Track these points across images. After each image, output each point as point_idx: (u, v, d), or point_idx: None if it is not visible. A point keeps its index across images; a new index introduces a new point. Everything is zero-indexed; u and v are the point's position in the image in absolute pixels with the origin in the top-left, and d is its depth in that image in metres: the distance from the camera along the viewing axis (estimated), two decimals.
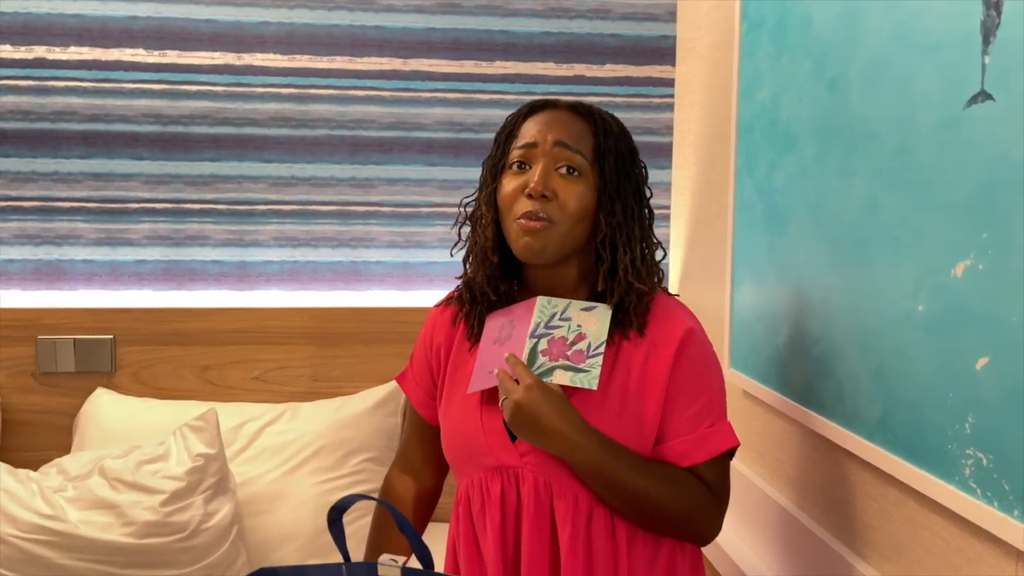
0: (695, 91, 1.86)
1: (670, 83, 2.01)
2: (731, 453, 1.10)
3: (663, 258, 1.13)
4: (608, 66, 1.99)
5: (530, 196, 1.03)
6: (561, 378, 1.01)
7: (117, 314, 1.86)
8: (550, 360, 0.95)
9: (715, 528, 1.07)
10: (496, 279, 1.11)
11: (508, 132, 1.10)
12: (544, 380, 1.00)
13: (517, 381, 1.00)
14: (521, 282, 1.14)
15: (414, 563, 0.91)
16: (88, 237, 1.89)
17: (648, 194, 1.12)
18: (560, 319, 0.98)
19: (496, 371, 1.02)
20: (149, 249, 1.91)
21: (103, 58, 1.86)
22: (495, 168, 1.10)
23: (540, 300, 0.94)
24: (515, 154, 1.07)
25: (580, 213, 1.04)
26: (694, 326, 1.09)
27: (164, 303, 1.90)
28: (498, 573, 1.06)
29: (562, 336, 0.98)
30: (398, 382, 1.26)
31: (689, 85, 1.91)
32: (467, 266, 1.14)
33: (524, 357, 1.03)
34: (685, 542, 1.09)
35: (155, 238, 1.91)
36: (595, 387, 0.99)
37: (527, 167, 1.06)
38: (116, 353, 1.86)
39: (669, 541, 1.08)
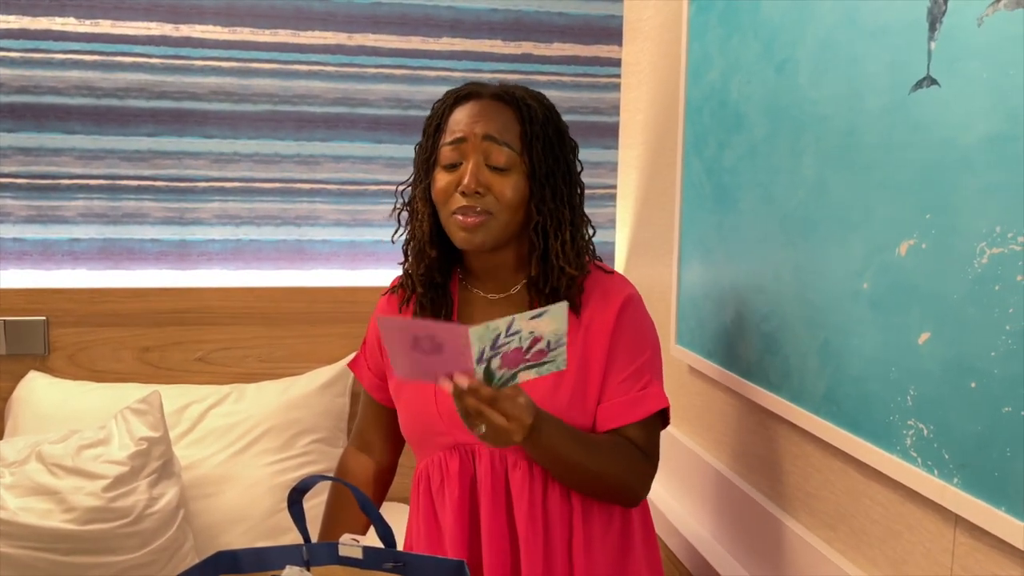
0: (643, 71, 1.88)
1: (617, 63, 2.02)
2: (664, 417, 1.14)
3: (592, 235, 1.16)
4: (556, 45, 1.99)
5: (464, 193, 1.04)
6: (527, 376, 0.98)
7: (50, 294, 1.79)
8: (510, 368, 0.92)
9: (647, 488, 1.12)
10: (434, 270, 1.13)
11: (436, 124, 1.10)
12: (511, 384, 0.95)
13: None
14: (463, 266, 1.17)
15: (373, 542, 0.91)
16: (18, 214, 1.81)
17: (579, 168, 1.14)
18: (507, 336, 0.93)
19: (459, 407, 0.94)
20: (83, 227, 1.84)
21: (31, 27, 1.77)
22: (427, 162, 1.10)
23: (472, 333, 0.86)
24: (445, 151, 1.07)
25: (516, 203, 1.06)
26: (632, 293, 1.13)
27: (100, 283, 1.84)
28: (458, 547, 1.08)
29: (516, 347, 0.92)
30: (351, 368, 1.28)
31: (637, 65, 1.92)
32: (407, 256, 1.16)
33: (480, 377, 0.94)
34: (618, 504, 1.12)
35: (90, 216, 1.84)
36: (564, 367, 0.95)
37: (458, 165, 1.06)
38: (49, 335, 1.80)
39: (620, 508, 1.13)
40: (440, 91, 1.92)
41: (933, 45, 0.89)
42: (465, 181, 1.03)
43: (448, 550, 1.09)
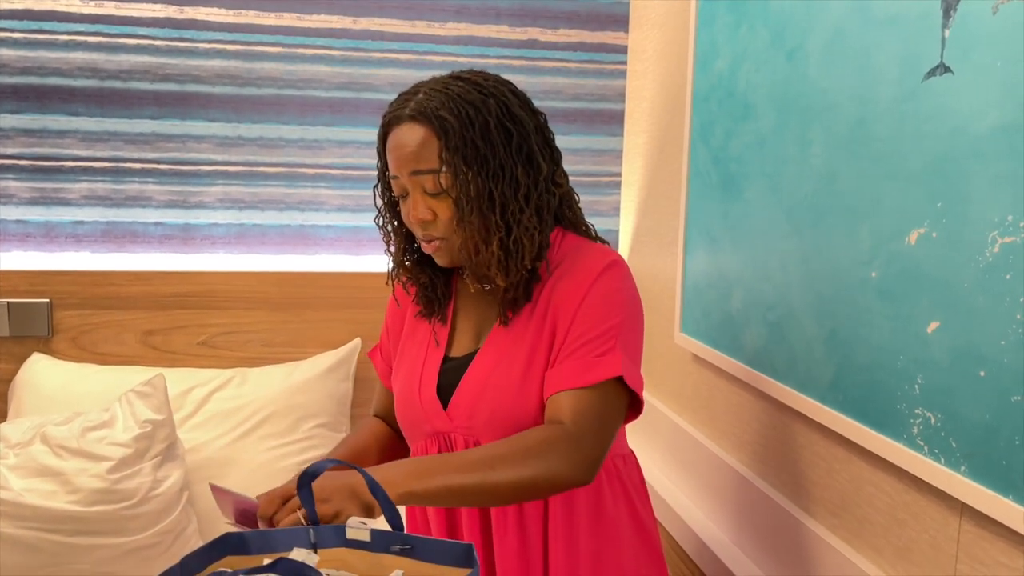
0: (649, 58, 1.87)
1: (623, 50, 2.02)
2: (629, 396, 1.04)
3: (552, 222, 1.09)
4: (562, 31, 1.99)
5: (415, 225, 1.06)
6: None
7: (53, 277, 1.79)
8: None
9: (580, 473, 0.97)
10: (417, 272, 1.15)
11: (380, 153, 1.10)
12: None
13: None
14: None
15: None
16: (21, 196, 1.81)
17: (525, 149, 1.05)
18: None
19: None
20: (87, 210, 1.84)
21: (35, 7, 1.76)
22: (383, 181, 1.12)
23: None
24: (392, 184, 1.07)
25: (459, 223, 1.04)
26: (613, 261, 1.06)
27: (103, 266, 1.84)
28: (442, 533, 1.10)
29: None
30: (371, 357, 1.30)
31: (643, 52, 1.91)
32: (393, 265, 1.17)
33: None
34: (559, 494, 1.03)
35: (93, 198, 1.84)
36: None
37: (406, 195, 1.06)
38: (53, 317, 1.80)
39: (607, 489, 1.10)
40: None
41: (947, 33, 0.89)
42: (411, 215, 1.05)
43: (432, 532, 1.11)
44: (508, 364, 1.06)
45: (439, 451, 1.10)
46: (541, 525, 1.09)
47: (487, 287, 1.11)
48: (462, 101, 1.03)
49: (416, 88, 1.07)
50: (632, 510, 1.14)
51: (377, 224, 1.15)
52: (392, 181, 1.07)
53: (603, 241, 1.15)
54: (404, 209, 1.07)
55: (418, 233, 1.07)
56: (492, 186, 1.03)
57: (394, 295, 1.24)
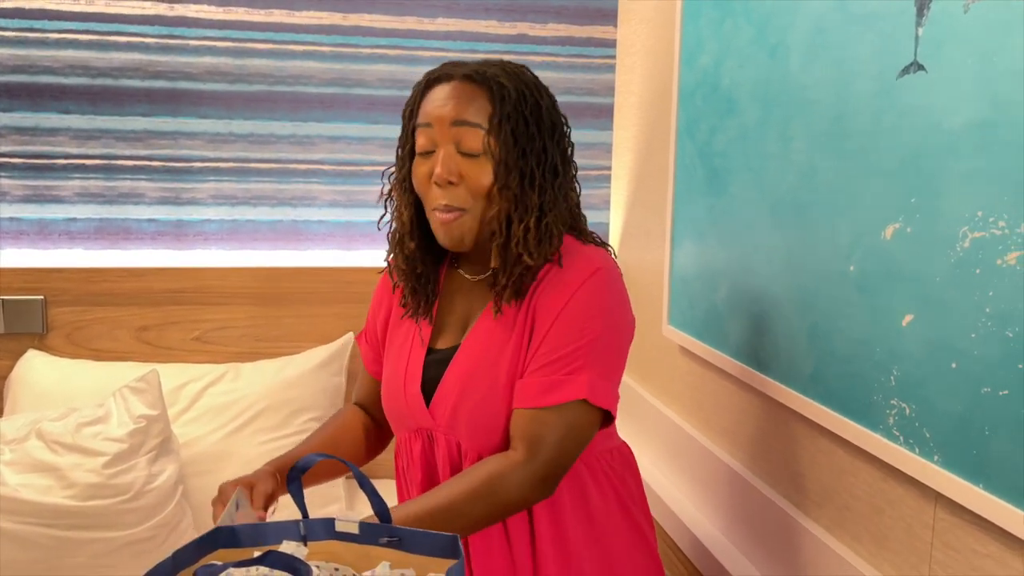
0: (637, 53, 1.89)
1: (612, 44, 2.03)
2: (586, 410, 1.01)
3: (571, 219, 1.10)
4: (551, 25, 2.00)
5: (437, 184, 1.02)
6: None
7: (47, 274, 1.80)
8: None
9: (537, 494, 0.99)
10: (416, 260, 1.11)
11: (411, 109, 1.07)
12: None
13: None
14: (454, 255, 1.16)
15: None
16: (14, 194, 1.82)
17: (563, 146, 1.07)
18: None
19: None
20: (80, 207, 1.85)
21: (26, 6, 1.77)
22: (404, 149, 1.08)
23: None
24: (419, 138, 1.04)
25: (489, 190, 1.02)
26: (598, 268, 1.04)
27: (97, 263, 1.85)
28: None
29: None
30: (357, 341, 1.30)
31: (631, 47, 1.93)
32: (391, 245, 1.14)
33: None
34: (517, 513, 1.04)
35: (86, 195, 1.85)
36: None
37: (432, 151, 1.03)
38: (47, 314, 1.81)
39: (594, 489, 1.10)
40: None
41: (920, 31, 0.90)
42: (437, 171, 1.01)
43: None
44: (490, 363, 1.05)
45: (422, 447, 1.10)
46: (527, 529, 1.08)
47: (484, 274, 1.09)
48: (519, 79, 1.04)
49: (462, 60, 1.06)
50: (622, 504, 1.13)
51: (385, 197, 1.12)
52: (420, 131, 1.03)
53: (597, 242, 1.12)
54: (423, 167, 1.04)
55: (433, 197, 1.03)
56: (534, 164, 1.02)
57: (381, 282, 1.23)
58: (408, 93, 1.92)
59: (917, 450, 0.92)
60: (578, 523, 1.09)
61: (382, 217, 1.15)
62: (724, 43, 1.38)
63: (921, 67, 0.90)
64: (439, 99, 1.02)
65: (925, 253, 0.90)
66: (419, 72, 1.96)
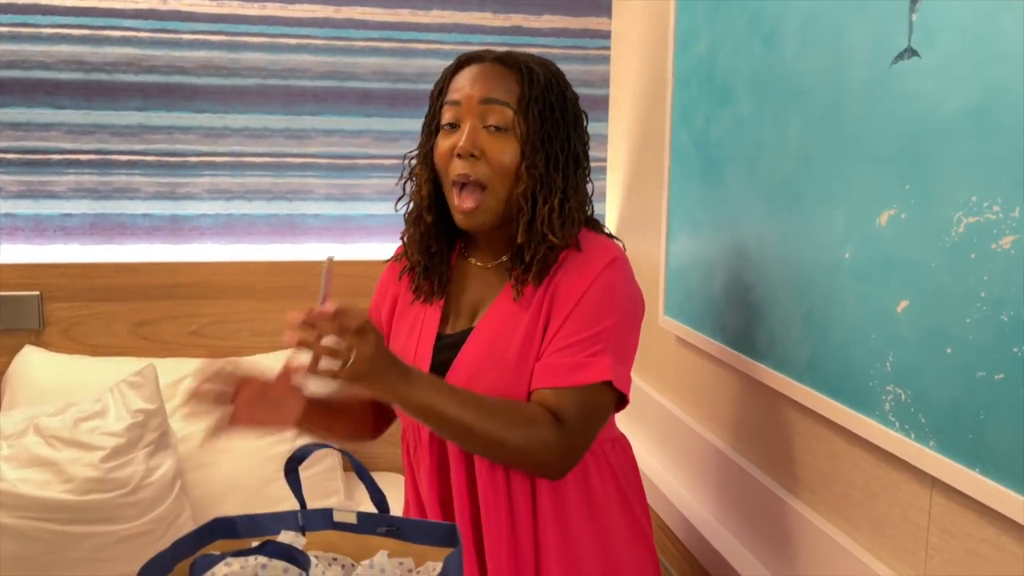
0: (631, 43, 1.88)
1: (606, 35, 2.03)
2: (616, 394, 1.06)
3: (588, 209, 1.12)
4: (545, 17, 1.99)
5: (460, 156, 1.04)
6: None
7: (43, 269, 1.80)
8: None
9: (561, 463, 1.02)
10: (430, 237, 1.12)
11: (439, 89, 1.11)
12: None
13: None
14: (465, 235, 1.16)
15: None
16: (9, 190, 1.82)
17: (584, 140, 1.11)
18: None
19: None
20: (75, 202, 1.85)
21: (18, 1, 1.77)
22: (430, 127, 1.11)
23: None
24: (445, 113, 1.07)
25: (509, 168, 1.04)
26: (616, 257, 1.08)
27: (93, 258, 1.85)
28: (435, 511, 1.11)
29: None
30: None
31: (626, 37, 1.92)
32: (407, 224, 1.16)
33: None
34: (537, 476, 1.07)
35: (81, 191, 1.85)
36: None
37: (457, 126, 1.06)
38: (44, 309, 1.81)
39: (596, 477, 1.11)
40: (430, 64, 1.95)
41: (914, 17, 0.90)
42: (461, 143, 1.03)
43: (429, 516, 1.12)
44: (504, 345, 1.06)
45: (431, 431, 1.09)
46: (530, 513, 1.08)
47: (495, 262, 1.11)
48: (547, 68, 1.09)
49: (486, 48, 1.11)
50: (621, 493, 1.14)
51: (405, 175, 1.14)
52: (447, 107, 1.07)
53: (608, 234, 1.15)
54: (447, 141, 1.06)
55: (453, 168, 1.05)
56: (558, 149, 1.06)
57: (387, 270, 1.24)
58: (402, 86, 1.94)
59: (913, 435, 0.93)
60: (579, 508, 1.10)
61: (400, 199, 1.16)
62: (718, 32, 1.37)
63: (915, 53, 0.90)
64: (469, 78, 1.06)
65: (920, 239, 0.90)
66: (412, 64, 1.98)
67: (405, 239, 1.16)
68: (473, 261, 1.15)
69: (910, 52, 0.91)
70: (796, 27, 1.14)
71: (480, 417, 0.97)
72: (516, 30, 1.98)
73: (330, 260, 0.92)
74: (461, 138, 1.04)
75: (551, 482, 1.08)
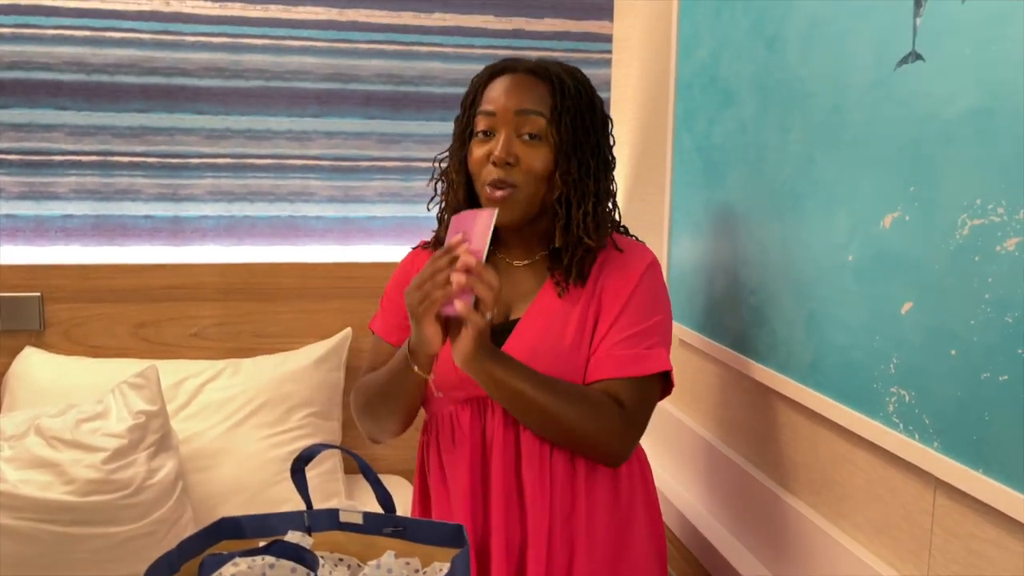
0: (633, 47, 1.89)
1: (608, 39, 2.03)
2: (662, 384, 1.13)
3: (613, 210, 1.18)
4: (547, 20, 2.00)
5: (495, 164, 1.09)
6: None
7: (44, 270, 1.80)
8: None
9: (623, 448, 1.09)
10: None
11: (472, 98, 1.15)
12: None
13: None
14: (494, 234, 1.17)
15: None
16: (10, 191, 1.81)
17: (611, 144, 1.17)
18: None
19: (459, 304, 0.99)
20: (76, 203, 1.85)
21: (21, 2, 1.77)
22: (463, 133, 1.16)
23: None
24: (480, 122, 1.12)
25: (542, 174, 1.10)
26: (655, 260, 1.17)
27: (94, 259, 1.85)
28: (466, 506, 1.10)
29: None
30: (370, 327, 1.28)
31: (627, 41, 1.93)
32: (440, 223, 1.21)
33: None
34: (597, 461, 1.11)
35: (82, 192, 1.85)
36: None
37: (492, 134, 1.11)
38: (44, 311, 1.81)
39: (626, 477, 1.14)
40: (432, 67, 1.96)
41: (919, 21, 0.91)
42: (497, 151, 1.08)
43: (455, 511, 1.11)
44: (555, 336, 1.11)
45: (470, 416, 1.12)
46: (569, 499, 1.10)
47: (529, 260, 1.16)
48: (576, 78, 1.13)
49: (515, 57, 1.15)
50: (646, 490, 1.17)
51: (436, 177, 1.19)
52: (481, 116, 1.11)
53: (635, 237, 1.21)
54: (481, 149, 1.11)
55: (487, 173, 1.10)
56: (589, 155, 1.11)
57: (406, 260, 1.26)
58: (405, 88, 1.95)
59: (917, 436, 0.93)
60: (606, 505, 1.12)
61: (432, 199, 1.22)
62: (721, 35, 1.38)
63: (919, 57, 0.91)
64: (503, 89, 1.11)
65: (924, 241, 0.91)
66: (415, 67, 1.98)
67: (440, 238, 1.21)
68: (503, 258, 1.19)
69: (914, 56, 0.92)
70: (799, 31, 1.15)
71: (556, 400, 1.04)
72: (518, 33, 1.99)
73: (493, 213, 1.01)
74: (497, 146, 1.09)
75: (589, 474, 1.11)
